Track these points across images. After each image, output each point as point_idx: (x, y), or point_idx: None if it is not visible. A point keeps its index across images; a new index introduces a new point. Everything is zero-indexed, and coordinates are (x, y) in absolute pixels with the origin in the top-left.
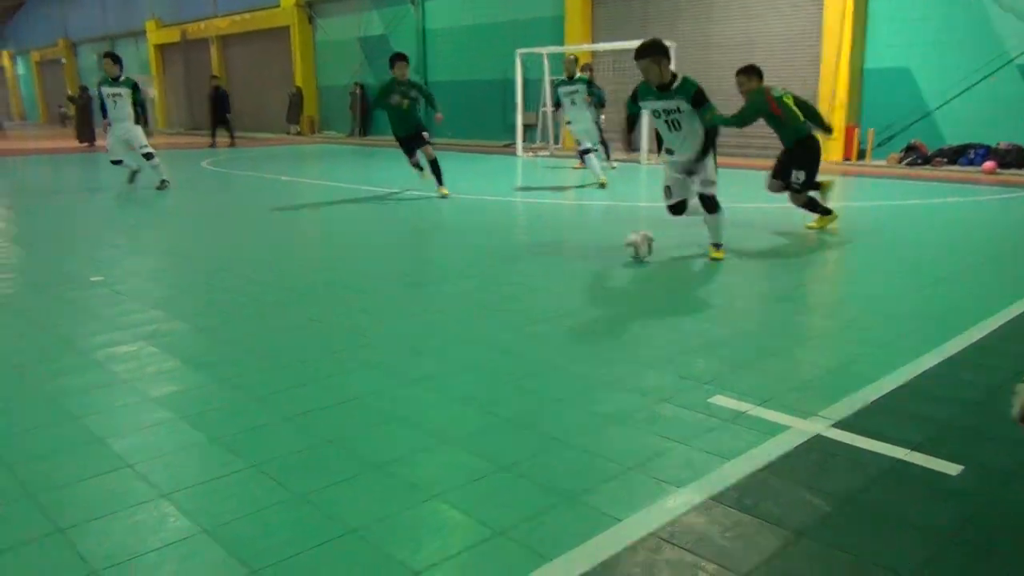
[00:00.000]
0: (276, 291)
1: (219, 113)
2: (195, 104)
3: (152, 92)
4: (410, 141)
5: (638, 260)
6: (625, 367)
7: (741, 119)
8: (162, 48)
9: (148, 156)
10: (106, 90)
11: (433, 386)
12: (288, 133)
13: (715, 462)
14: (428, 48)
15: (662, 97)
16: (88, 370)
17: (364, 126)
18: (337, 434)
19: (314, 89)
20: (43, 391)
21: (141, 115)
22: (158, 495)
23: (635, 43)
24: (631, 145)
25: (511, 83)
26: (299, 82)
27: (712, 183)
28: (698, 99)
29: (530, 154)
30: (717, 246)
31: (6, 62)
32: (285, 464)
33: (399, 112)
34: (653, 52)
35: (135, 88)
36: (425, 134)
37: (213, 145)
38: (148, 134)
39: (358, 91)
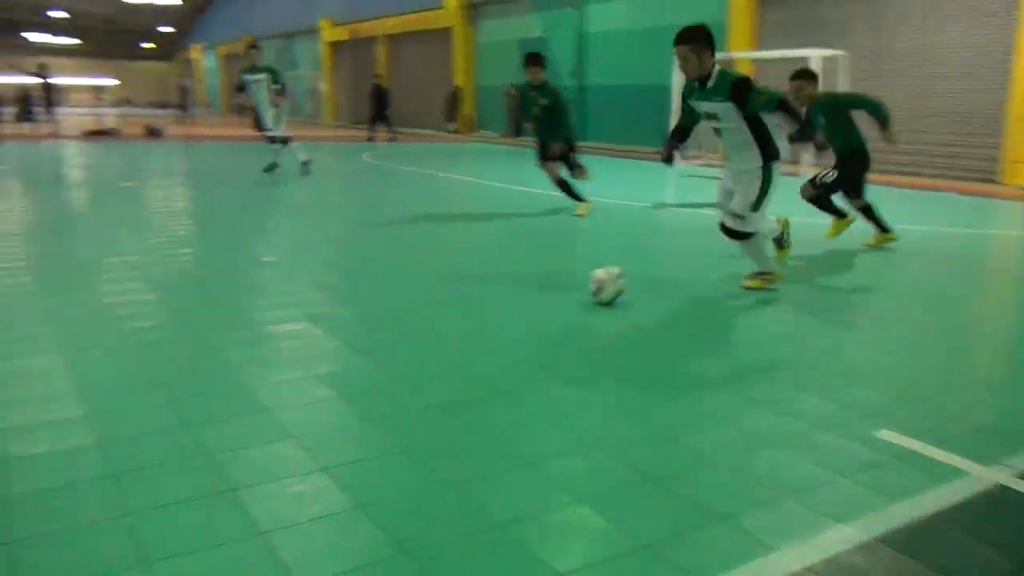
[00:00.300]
0: (429, 284)
1: (379, 109)
2: (360, 100)
3: (323, 86)
4: (547, 149)
5: (599, 301)
6: (781, 388)
7: (815, 126)
8: (334, 45)
9: (271, 140)
10: (249, 77)
11: (584, 389)
12: (447, 131)
13: (880, 500)
14: (586, 51)
15: (703, 96)
16: (258, 344)
17: (519, 127)
18: (488, 427)
19: (473, 89)
20: (219, 360)
21: (278, 100)
22: (318, 468)
23: (804, 52)
24: (668, 157)
25: (667, 89)
26: (459, 82)
27: (741, 217)
28: (738, 93)
29: (683, 162)
30: (761, 275)
31: (196, 55)
32: (436, 451)
33: (537, 117)
34: (693, 39)
35: (273, 74)
36: (558, 148)
37: (372, 139)
38: (281, 119)
39: (514, 92)
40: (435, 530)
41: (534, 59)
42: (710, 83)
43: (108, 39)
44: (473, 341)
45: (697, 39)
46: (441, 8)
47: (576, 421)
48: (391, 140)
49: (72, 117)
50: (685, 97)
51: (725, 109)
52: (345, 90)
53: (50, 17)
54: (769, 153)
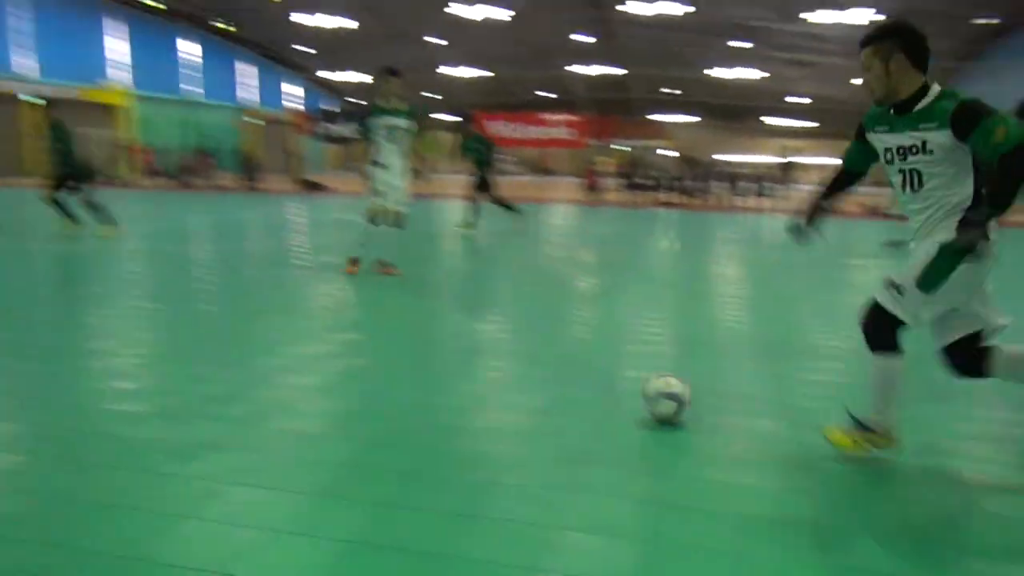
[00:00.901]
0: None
1: None
2: None
3: None
4: None
5: (664, 420)
6: None
7: None
8: None
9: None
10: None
11: None
12: None
13: None
14: None
15: (896, 126)
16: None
17: None
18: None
19: None
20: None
21: None
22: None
23: None
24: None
25: None
26: None
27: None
28: (963, 119)
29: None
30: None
31: None
32: None
33: None
34: (882, 36)
35: None
36: None
37: None
38: None
39: None
40: None
41: None
42: (919, 105)
43: (839, 119)
44: None
45: (887, 35)
46: None
47: None
48: None
49: (801, 194)
50: (864, 128)
51: (934, 142)
52: None
53: (789, 102)
54: (992, 180)
